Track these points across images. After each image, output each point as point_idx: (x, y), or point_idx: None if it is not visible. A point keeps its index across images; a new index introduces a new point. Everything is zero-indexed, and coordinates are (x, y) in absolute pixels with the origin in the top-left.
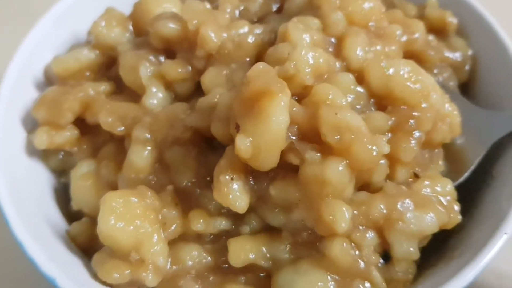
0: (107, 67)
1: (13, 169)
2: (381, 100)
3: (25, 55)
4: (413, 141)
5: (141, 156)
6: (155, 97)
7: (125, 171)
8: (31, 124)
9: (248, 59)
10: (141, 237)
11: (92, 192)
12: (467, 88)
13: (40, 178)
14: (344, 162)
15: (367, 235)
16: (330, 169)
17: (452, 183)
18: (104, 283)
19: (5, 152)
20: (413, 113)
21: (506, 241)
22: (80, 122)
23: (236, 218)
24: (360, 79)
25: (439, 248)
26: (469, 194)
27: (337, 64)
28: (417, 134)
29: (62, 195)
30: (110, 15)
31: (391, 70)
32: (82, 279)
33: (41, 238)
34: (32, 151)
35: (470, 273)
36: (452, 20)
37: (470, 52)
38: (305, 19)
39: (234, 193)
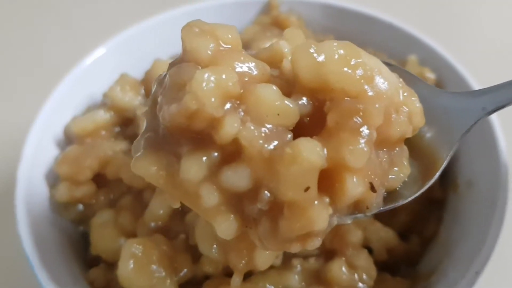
0: (122, 126)
1: (37, 220)
2: (317, 95)
3: (46, 116)
4: (362, 141)
5: (162, 206)
6: None
7: (146, 219)
8: (52, 179)
9: None
10: (155, 280)
11: (111, 239)
12: None
13: (60, 227)
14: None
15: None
16: None
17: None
18: None
19: (29, 205)
20: (358, 106)
21: None
22: (96, 177)
23: None
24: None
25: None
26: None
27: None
28: (365, 131)
29: (80, 243)
30: (124, 80)
31: (322, 56)
32: None
33: (62, 282)
34: (54, 203)
35: None
36: (430, 75)
37: None
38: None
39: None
